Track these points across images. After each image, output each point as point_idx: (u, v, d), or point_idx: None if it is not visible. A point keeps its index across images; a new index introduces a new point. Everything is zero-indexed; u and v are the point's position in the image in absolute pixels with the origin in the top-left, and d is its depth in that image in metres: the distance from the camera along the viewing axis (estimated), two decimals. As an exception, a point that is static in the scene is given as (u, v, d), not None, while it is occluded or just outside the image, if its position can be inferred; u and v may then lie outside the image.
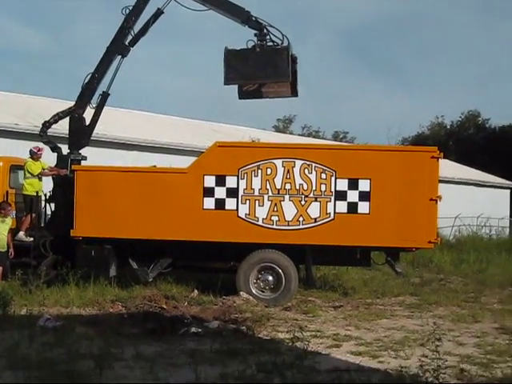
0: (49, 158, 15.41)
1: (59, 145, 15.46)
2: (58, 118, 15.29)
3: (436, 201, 13.41)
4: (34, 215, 14.73)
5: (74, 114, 15.14)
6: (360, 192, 13.47)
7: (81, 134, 15.20)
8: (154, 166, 15.87)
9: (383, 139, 72.25)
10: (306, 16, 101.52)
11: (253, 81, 14.71)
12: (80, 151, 15.22)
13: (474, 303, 14.42)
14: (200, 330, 10.80)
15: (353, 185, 13.47)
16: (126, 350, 9.11)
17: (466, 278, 18.57)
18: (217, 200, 13.64)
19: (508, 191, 35.84)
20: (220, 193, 13.63)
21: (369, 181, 13.44)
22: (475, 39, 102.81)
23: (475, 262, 21.60)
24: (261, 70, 14.30)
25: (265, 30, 14.45)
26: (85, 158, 15.22)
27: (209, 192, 13.64)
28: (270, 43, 14.42)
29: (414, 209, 13.44)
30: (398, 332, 11.21)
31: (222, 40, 77.98)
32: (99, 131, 18.02)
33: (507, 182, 35.29)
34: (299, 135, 52.98)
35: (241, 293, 13.64)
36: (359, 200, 13.48)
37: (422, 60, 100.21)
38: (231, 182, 13.60)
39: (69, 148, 15.17)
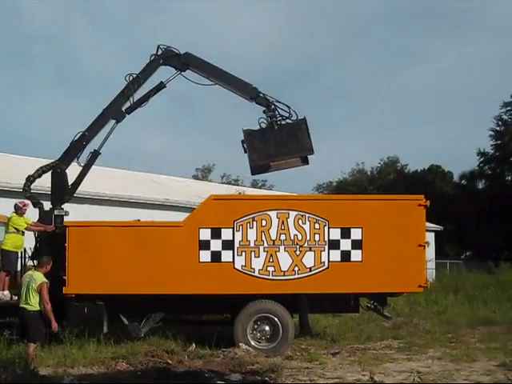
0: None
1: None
2: (41, 172, 15.03)
3: (424, 246, 13.98)
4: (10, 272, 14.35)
5: (56, 168, 14.92)
6: (352, 240, 13.88)
7: (63, 189, 14.96)
8: (139, 221, 15.77)
9: (300, 187, 73.76)
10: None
11: (277, 159, 14.79)
12: (62, 207, 14.93)
13: (458, 343, 14.98)
14: (224, 383, 10.81)
15: (345, 233, 13.88)
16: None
17: (431, 320, 19.17)
18: (213, 252, 13.73)
19: (433, 234, 37.30)
20: (216, 245, 13.73)
21: (360, 229, 13.89)
22: (376, 88, 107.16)
23: (428, 305, 22.36)
24: (283, 147, 14.53)
25: (272, 106, 14.73)
26: (67, 214, 14.96)
27: (205, 245, 13.72)
28: (279, 118, 14.67)
29: (404, 255, 13.94)
30: (413, 375, 11.54)
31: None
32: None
33: (431, 224, 36.73)
34: (220, 183, 53.37)
35: (240, 344, 13.68)
36: (352, 248, 13.89)
37: (328, 109, 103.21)
38: (227, 234, 13.74)
39: (52, 203, 14.88)
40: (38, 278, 11.58)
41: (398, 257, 13.94)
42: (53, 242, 14.24)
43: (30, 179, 15.02)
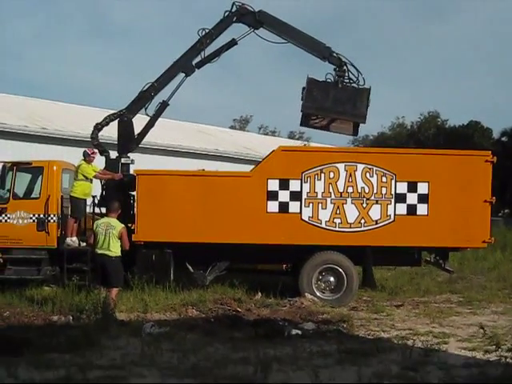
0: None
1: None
2: (109, 120, 15.22)
3: (490, 202, 13.98)
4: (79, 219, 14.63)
5: (123, 117, 15.09)
6: (419, 195, 13.93)
7: (129, 138, 15.15)
8: (203, 170, 15.92)
9: (340, 140, 73.41)
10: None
11: (329, 114, 14.93)
12: (128, 155, 15.12)
13: (517, 299, 15.04)
14: (300, 331, 11.01)
15: (412, 188, 13.93)
16: (257, 354, 9.22)
17: (483, 276, 19.21)
18: (280, 203, 13.87)
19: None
20: (284, 196, 13.87)
21: (427, 184, 13.92)
22: (415, 39, 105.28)
23: (476, 261, 22.35)
24: (339, 105, 14.60)
25: (344, 67, 14.71)
26: (133, 162, 15.16)
27: (272, 195, 13.85)
28: (347, 80, 14.69)
29: (469, 210, 13.98)
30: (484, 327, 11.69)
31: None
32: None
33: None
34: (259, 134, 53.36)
35: (306, 294, 13.89)
36: (418, 202, 13.94)
37: (372, 60, 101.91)
38: (295, 185, 13.85)
39: (118, 152, 15.09)
40: (117, 224, 11.83)
41: (463, 212, 13.98)
42: (120, 190, 14.49)
43: (98, 127, 15.20)
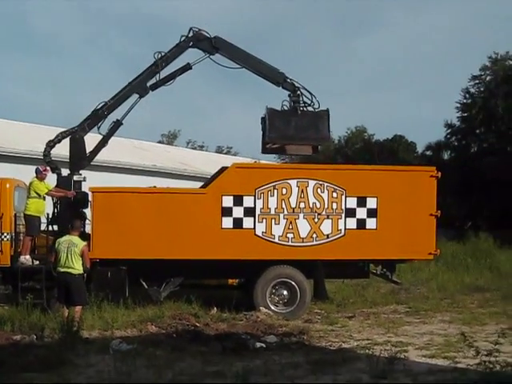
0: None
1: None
2: (61, 137, 15.17)
3: (435, 216, 14.62)
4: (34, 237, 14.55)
5: (75, 135, 15.07)
6: (368, 209, 14.45)
7: (81, 156, 15.15)
8: (154, 187, 16.01)
9: (270, 156, 74.42)
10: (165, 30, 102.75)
11: (293, 142, 15.25)
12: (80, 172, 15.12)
13: (459, 308, 15.73)
14: (264, 345, 11.29)
15: (361, 202, 14.44)
16: (230, 367, 9.47)
17: (422, 286, 19.87)
18: (235, 219, 14.14)
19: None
20: (238, 212, 14.15)
21: (376, 198, 14.44)
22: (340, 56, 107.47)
23: (412, 271, 23.10)
24: (302, 131, 14.97)
25: (298, 92, 15.12)
26: (85, 180, 15.16)
27: (227, 211, 14.11)
28: (302, 104, 15.10)
29: (416, 223, 14.58)
30: (435, 336, 12.29)
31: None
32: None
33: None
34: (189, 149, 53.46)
35: (261, 308, 14.20)
36: (367, 216, 14.46)
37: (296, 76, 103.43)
38: (248, 201, 14.15)
39: (70, 169, 15.05)
40: (79, 241, 11.87)
41: (410, 225, 14.57)
42: (72, 207, 14.49)
43: (50, 144, 15.15)
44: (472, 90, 41.80)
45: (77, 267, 11.73)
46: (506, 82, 38.79)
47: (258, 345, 11.25)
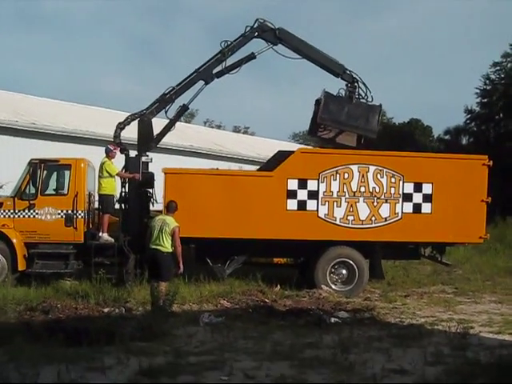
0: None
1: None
2: (130, 119, 15.88)
3: (486, 202, 15.38)
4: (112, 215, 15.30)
5: (143, 118, 15.78)
6: (424, 194, 15.21)
7: (149, 138, 15.85)
8: (217, 169, 16.75)
9: (281, 134, 75.50)
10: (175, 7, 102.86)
11: (343, 127, 15.96)
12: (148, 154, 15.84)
13: (504, 290, 16.46)
14: (338, 319, 12.11)
15: (418, 188, 15.19)
16: (320, 339, 10.32)
17: (457, 269, 20.60)
18: (299, 201, 14.91)
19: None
20: (302, 195, 14.91)
21: (431, 184, 15.19)
22: (358, 34, 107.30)
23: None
24: (353, 120, 15.75)
25: (355, 84, 15.87)
26: (151, 161, 15.88)
27: (292, 194, 14.88)
28: (357, 96, 15.88)
29: (468, 209, 15.35)
30: (491, 315, 13.09)
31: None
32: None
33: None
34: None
35: (322, 286, 15.00)
36: (423, 201, 15.22)
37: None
38: (312, 185, 14.91)
39: (138, 150, 15.77)
40: (171, 222, 12.55)
41: (462, 210, 15.31)
42: (140, 187, 15.26)
43: (120, 126, 15.86)
44: (492, 77, 42.28)
45: (166, 245, 12.39)
46: (526, 69, 39.40)
47: (333, 320, 12.05)
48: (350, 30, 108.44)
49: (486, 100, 42.35)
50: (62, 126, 23.49)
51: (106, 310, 12.33)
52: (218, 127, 61.04)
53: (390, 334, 10.87)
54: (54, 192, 15.23)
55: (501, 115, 41.66)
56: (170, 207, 12.90)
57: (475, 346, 10.15)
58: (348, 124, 15.77)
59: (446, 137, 45.89)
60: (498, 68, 42.06)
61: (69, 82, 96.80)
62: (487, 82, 42.55)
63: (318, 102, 16.06)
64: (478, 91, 42.66)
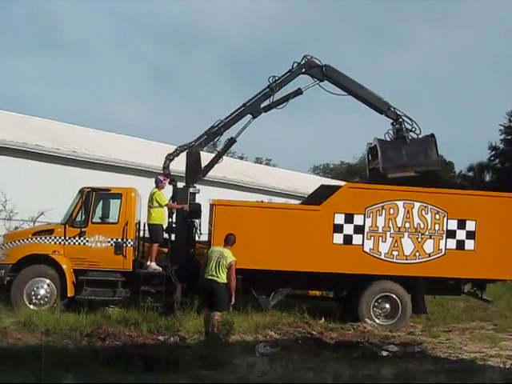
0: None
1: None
2: (179, 151, 16.30)
3: (527, 239, 15.60)
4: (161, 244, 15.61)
5: (192, 149, 16.17)
6: (467, 231, 15.43)
7: (198, 169, 16.21)
8: (262, 202, 17.05)
9: (301, 166, 76.29)
10: (193, 37, 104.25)
11: (406, 170, 16.22)
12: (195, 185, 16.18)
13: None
14: (389, 353, 12.30)
15: (461, 225, 15.42)
16: (378, 372, 10.55)
17: (490, 305, 20.63)
18: (345, 236, 15.17)
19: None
20: (348, 229, 15.17)
21: (474, 221, 15.42)
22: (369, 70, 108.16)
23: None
24: (414, 159, 16.13)
25: (400, 119, 16.25)
26: (199, 192, 16.23)
27: (338, 228, 15.15)
28: (405, 131, 16.26)
29: (510, 246, 15.53)
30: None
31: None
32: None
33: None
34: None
35: (366, 319, 15.19)
36: (466, 238, 15.44)
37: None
38: (358, 219, 15.18)
39: (186, 181, 16.13)
40: (229, 255, 12.81)
41: (505, 247, 15.51)
42: (187, 218, 15.61)
43: (170, 157, 16.27)
44: (517, 114, 42.70)
45: (222, 277, 12.65)
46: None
47: (385, 353, 12.24)
48: (371, 64, 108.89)
49: (510, 137, 42.62)
50: (100, 154, 23.91)
51: (160, 337, 12.56)
52: (241, 158, 61.45)
53: (443, 369, 11.06)
54: (104, 220, 15.50)
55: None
56: (229, 240, 13.16)
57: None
58: (411, 165, 16.11)
59: (470, 173, 46.14)
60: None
61: (80, 106, 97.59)
62: (511, 118, 42.86)
63: (371, 149, 16.42)
64: (502, 128, 42.96)
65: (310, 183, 39.39)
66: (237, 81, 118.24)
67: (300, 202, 18.57)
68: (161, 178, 15.75)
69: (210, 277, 12.68)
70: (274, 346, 12.14)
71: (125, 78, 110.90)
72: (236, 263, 12.82)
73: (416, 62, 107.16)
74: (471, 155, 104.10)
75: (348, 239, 15.18)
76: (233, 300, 12.88)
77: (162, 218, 15.56)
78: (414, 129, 16.29)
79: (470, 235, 15.44)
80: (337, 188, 16.37)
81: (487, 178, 45.09)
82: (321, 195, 16.22)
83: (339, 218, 15.15)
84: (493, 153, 43.77)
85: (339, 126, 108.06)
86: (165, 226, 15.77)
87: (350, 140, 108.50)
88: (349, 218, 15.16)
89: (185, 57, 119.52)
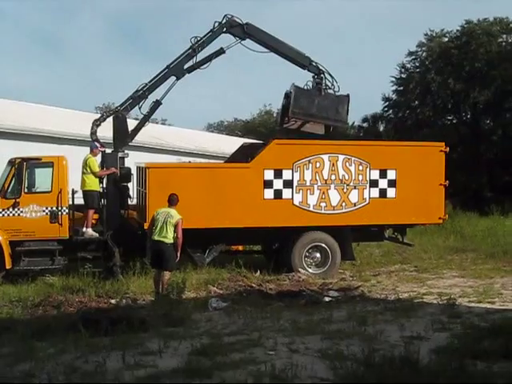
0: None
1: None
2: (105, 116, 16.39)
3: (444, 186, 16.67)
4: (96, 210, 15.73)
5: (118, 114, 16.23)
6: (388, 180, 16.35)
7: (125, 133, 16.30)
8: (189, 162, 17.34)
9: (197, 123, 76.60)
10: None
11: (314, 120, 16.82)
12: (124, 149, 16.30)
13: (458, 266, 17.78)
14: (332, 298, 13.07)
15: (383, 174, 16.32)
16: (329, 316, 11.23)
17: (405, 249, 21.88)
18: (275, 191, 15.76)
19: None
20: (278, 184, 15.77)
21: (395, 171, 16.36)
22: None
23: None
24: (324, 111, 16.67)
25: (322, 75, 16.77)
26: (128, 156, 16.34)
27: (268, 184, 15.71)
28: (324, 86, 16.78)
29: (428, 192, 16.59)
30: (461, 287, 14.34)
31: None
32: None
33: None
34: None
35: (299, 269, 15.93)
36: (388, 186, 16.37)
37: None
38: (287, 174, 15.78)
39: (114, 146, 16.20)
40: (175, 214, 13.13)
41: (423, 194, 16.55)
42: (118, 182, 15.85)
43: (96, 123, 16.28)
44: (408, 66, 44.22)
45: (169, 237, 12.98)
46: (440, 58, 41.31)
47: (327, 299, 13.00)
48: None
49: (402, 88, 44.17)
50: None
51: (112, 301, 12.80)
52: (135, 119, 60.82)
53: (387, 308, 11.87)
54: (37, 189, 15.40)
55: (417, 103, 43.56)
56: (172, 200, 13.46)
57: (466, 313, 11.31)
58: (319, 116, 16.69)
59: (364, 124, 47.58)
60: (414, 57, 43.95)
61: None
62: (403, 70, 44.40)
63: (287, 95, 16.94)
64: (393, 79, 44.47)
65: (218, 142, 40.04)
66: (122, 40, 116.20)
67: (224, 161, 18.91)
68: (97, 144, 15.77)
69: (157, 238, 12.98)
70: (224, 301, 12.58)
71: (7, 46, 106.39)
72: (182, 221, 13.09)
73: (304, 16, 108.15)
74: (367, 107, 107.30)
75: (278, 194, 15.76)
76: (178, 256, 13.20)
77: (97, 184, 15.63)
78: (333, 86, 16.90)
79: (391, 184, 16.37)
80: (258, 146, 16.90)
81: (381, 128, 46.68)
82: (245, 154, 16.72)
83: (269, 174, 15.70)
84: (386, 104, 45.27)
85: (230, 85, 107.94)
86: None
87: (241, 99, 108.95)
88: (278, 174, 15.73)
89: (70, 19, 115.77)
